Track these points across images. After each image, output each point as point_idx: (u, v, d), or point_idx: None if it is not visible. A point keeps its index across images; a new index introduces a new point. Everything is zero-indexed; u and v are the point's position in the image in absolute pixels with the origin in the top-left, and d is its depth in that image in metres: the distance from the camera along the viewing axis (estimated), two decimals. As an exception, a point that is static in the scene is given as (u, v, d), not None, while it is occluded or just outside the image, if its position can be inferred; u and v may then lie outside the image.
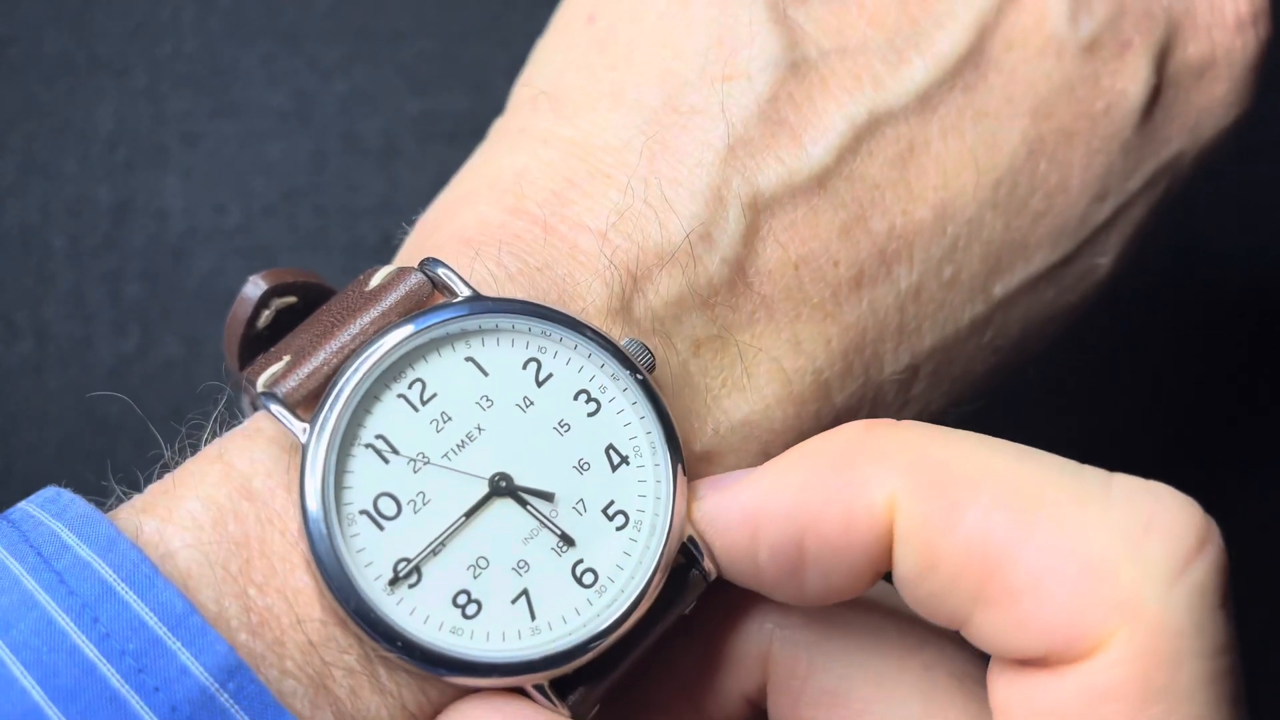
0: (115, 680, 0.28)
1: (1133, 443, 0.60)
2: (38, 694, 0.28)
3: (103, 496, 0.33)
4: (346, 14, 0.61)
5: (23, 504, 0.32)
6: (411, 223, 0.38)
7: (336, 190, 0.60)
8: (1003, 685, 0.30)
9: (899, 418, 0.37)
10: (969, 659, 0.33)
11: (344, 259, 0.59)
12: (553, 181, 0.35)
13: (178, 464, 0.33)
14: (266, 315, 0.35)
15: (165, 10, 0.61)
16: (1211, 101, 0.40)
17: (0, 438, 0.57)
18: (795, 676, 0.34)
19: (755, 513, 0.31)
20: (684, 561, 0.33)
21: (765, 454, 0.35)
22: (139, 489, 0.33)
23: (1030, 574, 0.28)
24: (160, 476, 0.33)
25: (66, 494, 0.32)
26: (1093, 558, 0.28)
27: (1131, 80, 0.39)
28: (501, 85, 0.62)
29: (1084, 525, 0.29)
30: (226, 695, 0.28)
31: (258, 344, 0.35)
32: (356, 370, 0.31)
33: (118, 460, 0.57)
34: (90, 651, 0.28)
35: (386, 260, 0.59)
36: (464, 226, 0.35)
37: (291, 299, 0.36)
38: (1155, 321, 0.61)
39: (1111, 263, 0.40)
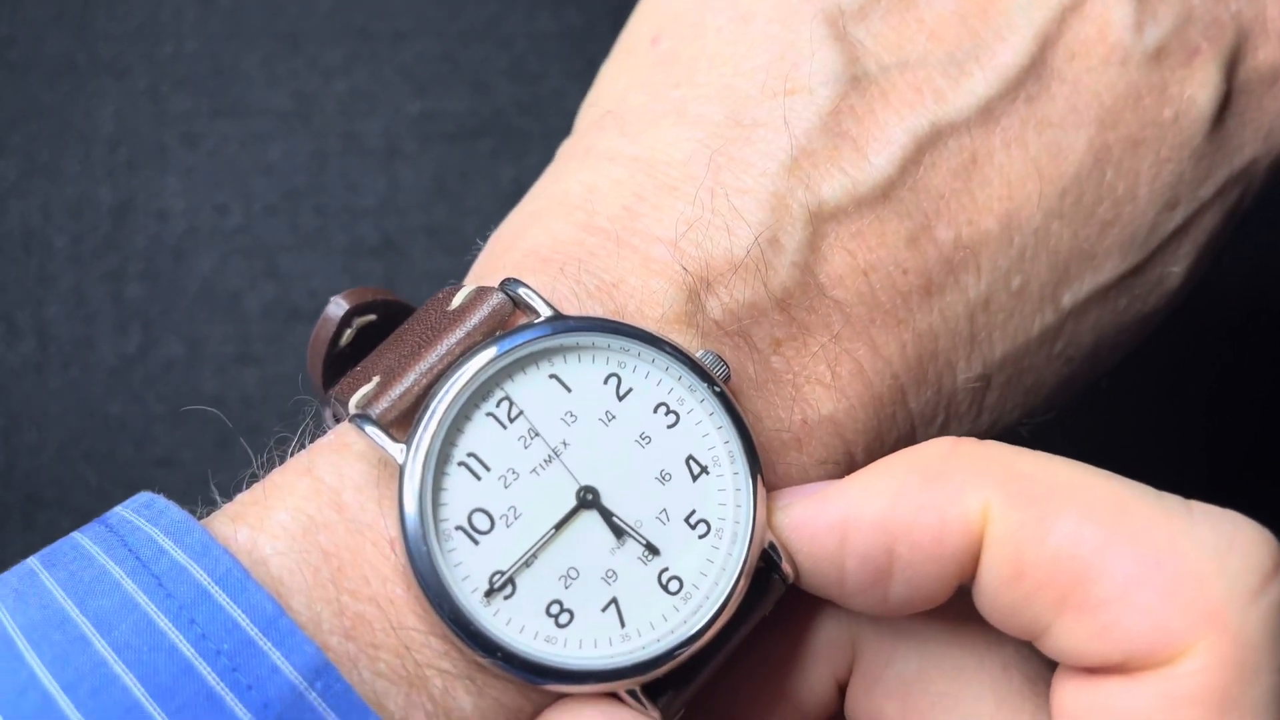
0: (211, 679, 0.29)
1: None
2: (139, 691, 0.29)
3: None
4: (347, 14, 0.61)
5: (119, 509, 0.32)
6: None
7: (336, 190, 0.60)
8: (1071, 691, 0.31)
9: (973, 427, 0.38)
10: (1044, 663, 0.34)
11: (344, 259, 0.59)
12: (622, 197, 0.36)
13: (263, 475, 0.33)
14: (349, 334, 0.36)
15: (166, 11, 0.61)
16: None
17: (1, 438, 0.57)
18: (876, 662, 0.35)
19: (845, 520, 0.32)
20: (764, 566, 0.33)
21: (848, 453, 0.36)
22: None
23: (1119, 582, 0.30)
24: (249, 486, 0.33)
25: (161, 500, 0.32)
26: (1182, 569, 0.29)
27: (1201, 87, 0.38)
28: (502, 85, 0.62)
29: (1171, 538, 0.30)
30: (314, 694, 0.29)
31: (340, 361, 0.36)
32: (448, 391, 0.32)
33: (119, 460, 0.58)
34: (188, 651, 0.29)
35: (385, 261, 0.60)
36: (539, 245, 0.36)
37: (371, 316, 0.36)
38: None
39: (1184, 271, 0.40)
